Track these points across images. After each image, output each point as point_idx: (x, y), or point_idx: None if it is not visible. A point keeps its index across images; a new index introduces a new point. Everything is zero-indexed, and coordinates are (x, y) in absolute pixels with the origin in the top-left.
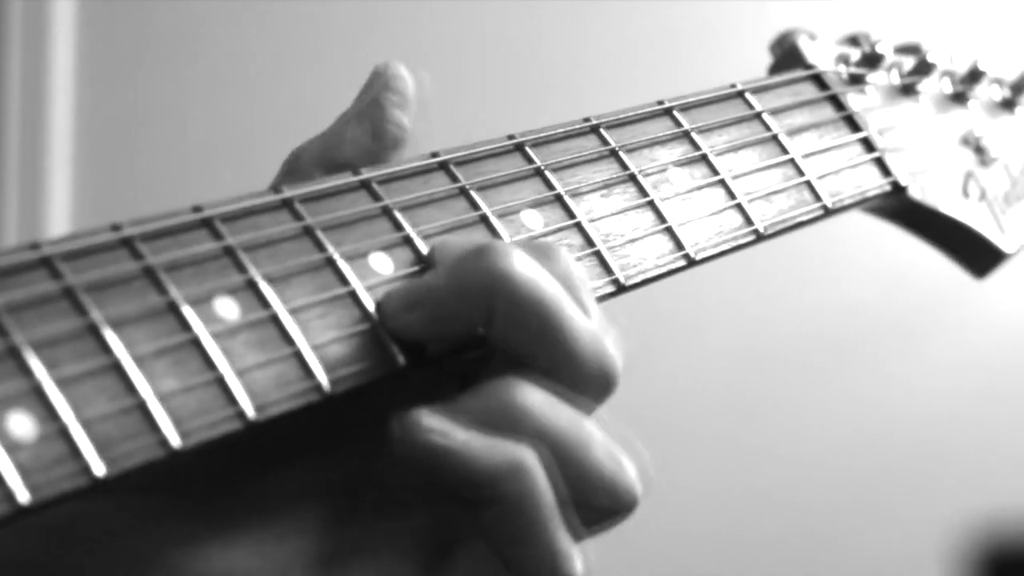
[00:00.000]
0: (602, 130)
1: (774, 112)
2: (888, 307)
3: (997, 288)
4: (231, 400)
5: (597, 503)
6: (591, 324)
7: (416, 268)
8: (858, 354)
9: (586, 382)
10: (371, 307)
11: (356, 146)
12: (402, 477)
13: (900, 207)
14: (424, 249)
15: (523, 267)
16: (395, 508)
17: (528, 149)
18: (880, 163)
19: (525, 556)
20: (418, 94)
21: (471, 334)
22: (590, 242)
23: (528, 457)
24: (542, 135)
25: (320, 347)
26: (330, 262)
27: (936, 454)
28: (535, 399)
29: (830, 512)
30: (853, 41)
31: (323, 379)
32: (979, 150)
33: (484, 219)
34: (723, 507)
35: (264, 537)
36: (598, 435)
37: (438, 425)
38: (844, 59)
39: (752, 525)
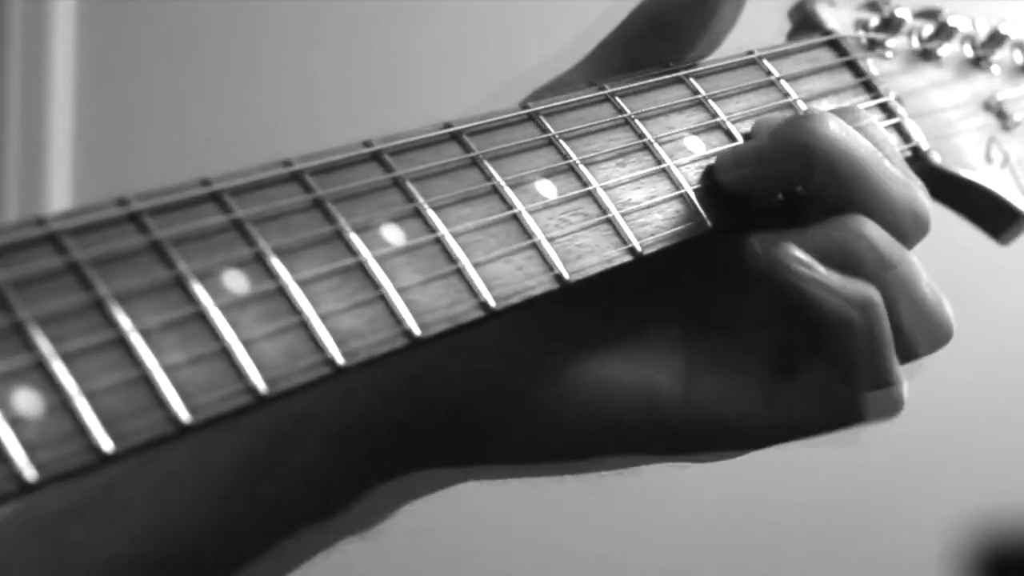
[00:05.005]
0: (616, 98)
1: (791, 78)
2: None
3: (1000, 288)
4: (240, 374)
5: (920, 333)
6: (900, 172)
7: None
8: None
9: (902, 224)
10: (382, 278)
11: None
12: (749, 301)
13: (921, 173)
14: (436, 220)
15: (837, 126)
16: (743, 329)
17: (542, 118)
18: (900, 128)
19: (863, 376)
20: None
21: (790, 189)
22: (605, 210)
23: (875, 294)
24: (556, 104)
25: (330, 318)
26: (340, 234)
27: (936, 453)
28: (878, 232)
29: (830, 511)
30: (871, 6)
31: (335, 353)
32: (1001, 115)
33: (496, 189)
34: (723, 505)
35: (635, 350)
36: (923, 271)
37: (805, 258)
38: (862, 24)
39: (751, 524)
